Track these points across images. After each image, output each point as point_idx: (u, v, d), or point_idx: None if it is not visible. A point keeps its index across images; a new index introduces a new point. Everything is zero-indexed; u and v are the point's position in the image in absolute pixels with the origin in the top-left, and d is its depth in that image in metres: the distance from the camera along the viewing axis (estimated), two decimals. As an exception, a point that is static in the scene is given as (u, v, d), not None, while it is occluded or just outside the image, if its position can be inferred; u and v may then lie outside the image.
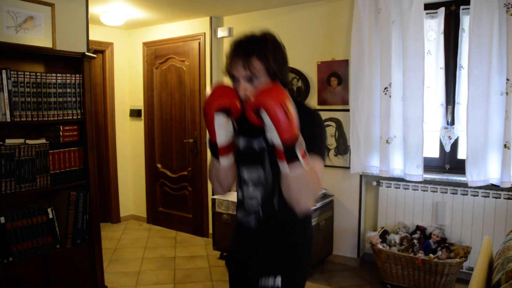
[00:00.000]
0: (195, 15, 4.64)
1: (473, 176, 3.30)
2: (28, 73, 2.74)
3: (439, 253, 3.30)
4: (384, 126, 3.65)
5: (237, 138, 1.61)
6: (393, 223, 3.79)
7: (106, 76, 5.26)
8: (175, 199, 5.22)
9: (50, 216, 2.90)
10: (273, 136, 1.33)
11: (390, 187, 3.80)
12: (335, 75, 3.96)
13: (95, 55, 3.25)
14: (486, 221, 3.41)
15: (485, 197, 3.40)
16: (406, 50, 3.47)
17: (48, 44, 3.00)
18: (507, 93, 3.16)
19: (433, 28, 3.54)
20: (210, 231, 4.68)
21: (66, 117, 2.97)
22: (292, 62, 4.18)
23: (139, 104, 5.42)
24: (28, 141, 2.78)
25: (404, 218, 3.75)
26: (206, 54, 4.70)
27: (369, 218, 4.06)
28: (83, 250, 3.10)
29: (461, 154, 3.63)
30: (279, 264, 1.64)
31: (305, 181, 1.38)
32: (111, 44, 5.25)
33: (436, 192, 3.60)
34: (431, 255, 3.25)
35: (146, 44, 5.26)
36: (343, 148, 4.00)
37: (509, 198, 3.31)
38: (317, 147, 1.49)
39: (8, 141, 2.70)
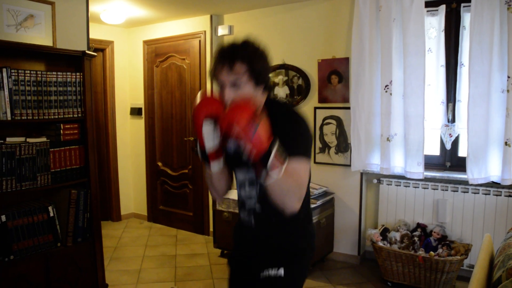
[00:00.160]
0: (196, 13, 4.63)
1: (473, 174, 3.30)
2: (28, 72, 2.74)
3: (440, 250, 3.30)
4: (385, 123, 3.65)
5: (228, 142, 1.64)
6: (393, 220, 3.79)
7: (107, 74, 5.26)
8: (175, 197, 5.22)
9: (51, 214, 2.90)
10: (244, 151, 1.40)
11: (391, 184, 3.80)
12: (336, 73, 3.96)
13: (95, 54, 3.25)
14: (487, 219, 3.41)
15: (485, 194, 3.40)
16: (406, 48, 3.46)
17: (49, 43, 3.00)
18: (508, 91, 3.15)
19: (434, 25, 3.53)
20: (211, 229, 4.69)
21: (66, 116, 2.97)
22: (293, 60, 4.21)
23: (140, 102, 5.42)
24: (29, 140, 2.79)
25: (404, 215, 3.75)
26: (206, 52, 4.70)
27: (369, 216, 4.06)
28: (84, 248, 3.11)
29: (461, 152, 3.63)
30: (280, 259, 1.66)
31: (282, 187, 1.42)
32: (111, 42, 5.25)
33: (437, 189, 3.60)
34: (431, 252, 3.25)
35: (147, 42, 5.25)
36: (343, 146, 4.00)
37: (509, 196, 3.31)
38: (301, 149, 1.51)
39: (9, 139, 2.70)
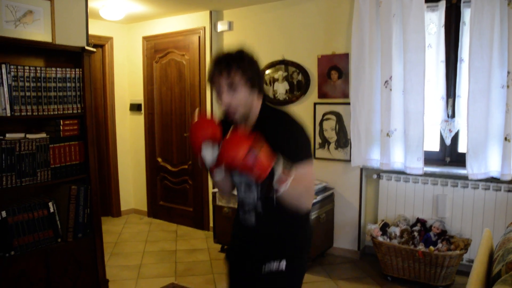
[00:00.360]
0: (195, 9, 4.62)
1: (473, 169, 3.31)
2: (28, 68, 2.74)
3: (440, 245, 3.31)
4: (385, 119, 3.65)
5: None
6: (393, 215, 3.80)
7: (106, 70, 5.25)
8: (175, 193, 5.23)
9: (51, 210, 2.91)
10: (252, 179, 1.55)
11: (391, 180, 3.81)
12: (336, 68, 3.96)
13: (94, 49, 3.24)
14: (486, 214, 3.41)
15: (485, 189, 3.41)
16: (406, 43, 3.46)
17: (48, 39, 2.99)
18: (508, 86, 3.16)
19: (434, 21, 3.52)
20: (211, 224, 4.70)
21: (66, 112, 2.97)
22: (293, 56, 4.20)
23: (139, 98, 5.42)
24: (28, 136, 2.78)
25: (404, 210, 3.76)
26: (206, 48, 4.69)
27: (369, 211, 4.07)
28: (84, 244, 3.11)
29: (461, 147, 3.63)
30: (282, 251, 1.70)
31: (292, 195, 1.52)
32: (110, 38, 5.24)
33: (437, 185, 3.60)
34: (431, 247, 3.26)
35: (146, 38, 5.24)
36: (343, 141, 4.00)
37: (509, 191, 3.32)
38: (303, 155, 1.60)
39: (8, 135, 2.70)
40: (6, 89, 2.62)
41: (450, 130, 3.55)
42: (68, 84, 2.96)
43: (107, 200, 5.41)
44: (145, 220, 5.41)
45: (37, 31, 2.92)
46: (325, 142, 4.08)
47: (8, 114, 2.65)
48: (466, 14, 3.37)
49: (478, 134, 3.28)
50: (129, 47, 5.43)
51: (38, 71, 2.79)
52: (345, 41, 3.90)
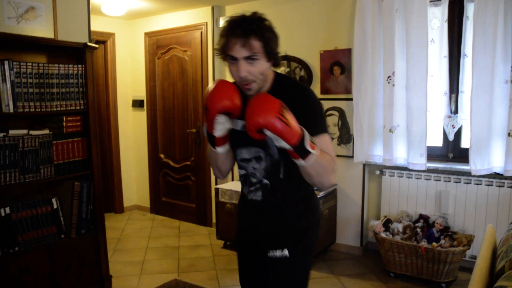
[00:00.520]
0: (197, 5, 4.61)
1: (476, 165, 3.30)
2: (30, 64, 2.74)
3: (442, 241, 3.31)
4: (388, 115, 3.64)
5: (235, 121, 1.62)
6: (396, 211, 3.80)
7: (108, 66, 5.25)
8: (178, 189, 5.23)
9: (55, 206, 2.92)
10: (281, 144, 1.39)
11: (394, 176, 3.80)
12: (338, 64, 3.94)
13: (97, 45, 3.23)
14: (489, 210, 3.41)
15: (488, 185, 3.40)
16: (409, 39, 3.44)
17: (50, 35, 2.99)
18: (511, 81, 3.14)
19: (437, 16, 3.50)
20: (214, 220, 4.70)
21: (69, 108, 2.97)
22: (295, 51, 4.19)
23: (142, 94, 5.42)
24: (31, 132, 2.79)
25: (407, 206, 3.76)
26: (208, 43, 4.68)
27: (372, 207, 4.07)
28: (88, 240, 3.12)
29: (464, 143, 3.63)
30: (286, 236, 1.66)
31: (321, 164, 1.44)
32: (112, 34, 5.23)
33: (440, 181, 3.60)
34: (434, 243, 3.25)
35: (148, 34, 5.23)
36: (346, 137, 3.99)
37: (512, 187, 3.32)
38: (320, 125, 1.54)
39: (11, 132, 2.70)
40: (9, 85, 2.62)
41: (453, 126, 3.54)
42: (71, 81, 2.97)
43: (109, 197, 5.42)
44: (147, 216, 5.42)
45: (39, 27, 2.92)
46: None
47: (11, 111, 2.65)
48: (470, 9, 3.35)
49: (481, 130, 3.27)
50: (131, 43, 5.42)
51: (41, 68, 2.79)
52: (348, 36, 3.89)
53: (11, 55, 2.72)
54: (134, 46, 5.41)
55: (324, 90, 4.05)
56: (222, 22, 4.56)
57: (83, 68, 3.03)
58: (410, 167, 3.58)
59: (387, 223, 3.63)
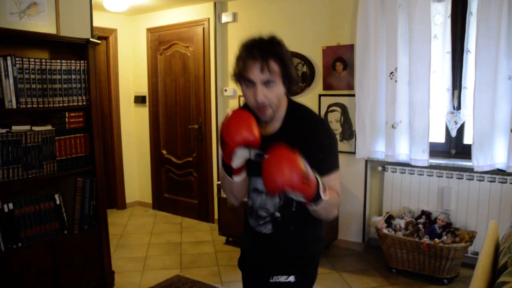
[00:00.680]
0: (199, 0, 4.60)
1: (479, 161, 3.29)
2: (33, 60, 2.74)
3: (444, 237, 3.31)
4: (390, 111, 3.64)
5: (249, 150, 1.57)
6: (398, 208, 3.79)
7: (110, 62, 5.25)
8: (180, 185, 5.24)
9: (57, 202, 2.92)
10: (299, 198, 1.35)
11: (396, 172, 3.80)
12: (341, 60, 3.94)
13: (99, 41, 3.23)
14: (492, 206, 3.40)
15: (491, 182, 3.40)
16: (412, 34, 3.43)
17: (52, 31, 2.98)
18: (514, 77, 3.13)
19: (440, 11, 3.49)
20: (216, 216, 4.70)
21: (71, 104, 2.98)
22: (297, 47, 4.18)
23: (144, 90, 5.42)
24: (34, 128, 2.79)
25: (409, 203, 3.75)
26: (210, 39, 4.67)
27: (374, 203, 4.07)
28: (90, 235, 3.13)
29: (467, 139, 3.62)
30: (293, 264, 1.64)
31: (329, 204, 1.43)
32: (114, 30, 5.23)
33: (442, 177, 3.59)
34: (436, 239, 3.25)
35: (150, 30, 5.23)
36: (348, 133, 3.99)
37: (515, 183, 3.31)
38: (332, 164, 1.51)
39: (14, 128, 2.71)
40: (11, 81, 2.62)
41: (455, 122, 3.53)
42: (73, 76, 2.97)
43: (112, 193, 5.43)
44: (150, 213, 5.43)
45: (42, 23, 2.92)
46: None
47: (14, 107, 2.65)
48: (473, 5, 3.33)
49: (484, 126, 3.26)
50: (133, 39, 5.42)
51: (43, 63, 2.79)
52: (350, 32, 3.88)
53: (13, 51, 2.73)
54: (136, 42, 5.40)
55: (326, 86, 4.04)
56: (224, 18, 4.56)
57: (86, 64, 3.03)
58: (413, 163, 3.58)
59: (389, 219, 3.63)
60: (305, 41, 4.12)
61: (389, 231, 3.52)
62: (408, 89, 3.54)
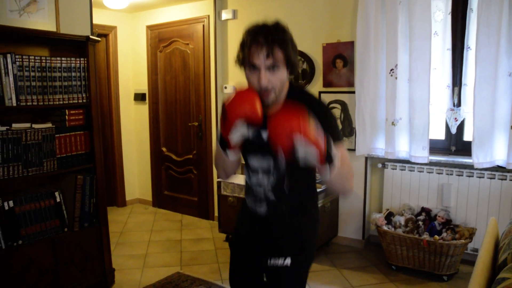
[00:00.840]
0: (199, -3, 4.59)
1: (479, 158, 3.29)
2: (33, 57, 2.73)
3: (444, 234, 3.32)
4: (390, 108, 3.64)
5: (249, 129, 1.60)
6: (398, 205, 3.80)
7: (110, 60, 5.25)
8: (180, 182, 5.24)
9: (58, 199, 2.93)
10: (309, 154, 1.34)
11: (396, 169, 3.80)
12: (341, 56, 3.93)
13: (99, 39, 3.23)
14: (492, 203, 3.41)
15: (491, 179, 3.40)
16: (412, 31, 3.43)
17: (52, 28, 2.98)
18: (514, 74, 3.13)
19: (441, 8, 3.49)
20: (216, 214, 4.71)
21: (71, 101, 2.97)
22: (298, 44, 4.09)
23: (144, 88, 5.41)
24: (34, 125, 2.79)
25: (409, 200, 3.76)
26: (210, 36, 4.67)
27: (374, 200, 4.07)
28: (91, 233, 3.14)
29: (467, 136, 3.62)
30: (289, 246, 1.67)
31: (343, 172, 1.45)
32: (114, 27, 5.22)
33: (442, 174, 3.59)
34: (436, 236, 3.26)
35: (150, 28, 5.22)
36: (348, 130, 3.99)
37: (515, 180, 3.31)
38: (336, 136, 1.51)
39: (14, 125, 2.71)
40: (11, 79, 2.62)
41: (455, 119, 3.53)
42: (73, 74, 2.96)
43: (112, 190, 5.44)
44: (150, 210, 5.44)
45: (42, 20, 2.92)
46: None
47: (14, 104, 2.65)
48: (474, 1, 3.32)
49: (484, 123, 3.26)
50: (133, 36, 5.41)
51: (43, 61, 2.79)
52: (350, 29, 3.87)
53: (13, 49, 2.72)
54: (136, 39, 5.40)
55: (326, 83, 4.04)
56: (224, 15, 4.55)
57: (86, 62, 3.02)
58: (413, 160, 3.58)
59: (389, 216, 3.64)
60: (305, 38, 4.11)
61: (389, 228, 3.53)
62: (408, 86, 3.53)
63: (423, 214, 3.57)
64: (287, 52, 1.47)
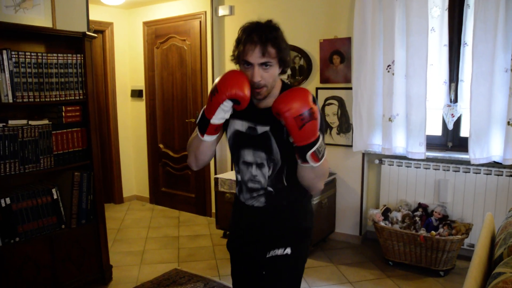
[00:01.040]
0: (195, -7, 4.58)
1: (475, 154, 3.30)
2: (29, 54, 2.72)
3: (441, 230, 3.33)
4: (387, 104, 3.64)
5: (240, 121, 1.67)
6: (395, 200, 3.81)
7: (107, 56, 5.23)
8: (177, 179, 5.24)
9: (55, 196, 2.92)
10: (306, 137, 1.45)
11: (393, 165, 3.81)
12: (338, 53, 3.93)
13: (96, 35, 3.21)
14: (488, 199, 3.42)
15: (487, 174, 3.41)
16: (409, 27, 3.43)
17: (48, 24, 2.96)
18: (511, 70, 3.13)
19: (437, 4, 3.49)
20: (213, 210, 4.71)
21: (68, 98, 2.96)
22: (294, 40, 4.17)
23: (140, 84, 5.40)
24: (31, 122, 2.78)
25: (406, 195, 3.77)
26: (207, 33, 4.66)
27: (371, 196, 4.08)
28: (88, 230, 3.13)
29: (464, 132, 3.63)
30: (288, 237, 1.71)
31: (321, 170, 1.54)
32: (111, 24, 5.20)
33: (439, 169, 3.61)
34: (433, 232, 3.27)
35: (147, 24, 5.20)
36: (345, 126, 3.99)
37: (511, 176, 3.32)
38: (322, 129, 1.56)
39: (11, 122, 2.70)
40: (7, 75, 2.61)
41: (452, 115, 3.53)
42: (70, 70, 2.95)
43: (109, 187, 5.43)
44: (147, 207, 5.44)
45: (37, 16, 2.90)
46: (327, 127, 4.07)
47: (10, 101, 2.64)
48: (471, -3, 3.34)
49: (480, 119, 3.27)
50: (130, 33, 5.39)
51: (39, 57, 2.78)
52: (347, 25, 3.87)
53: (9, 45, 2.71)
54: (132, 35, 5.38)
55: (323, 79, 4.04)
56: (221, 11, 4.54)
57: (82, 58, 3.01)
58: (409, 156, 3.59)
59: (386, 212, 3.65)
60: (302, 34, 4.11)
61: (386, 224, 3.54)
62: (405, 82, 3.54)
63: (420, 210, 3.58)
64: (279, 50, 1.52)
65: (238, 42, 1.56)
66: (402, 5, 3.49)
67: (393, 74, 3.58)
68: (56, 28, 2.99)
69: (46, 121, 2.87)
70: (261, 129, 1.63)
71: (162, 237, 4.33)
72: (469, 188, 3.49)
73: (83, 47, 3.01)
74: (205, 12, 4.63)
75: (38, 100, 2.79)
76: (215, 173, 4.58)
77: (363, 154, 3.97)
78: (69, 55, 2.94)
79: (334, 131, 4.04)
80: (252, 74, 1.52)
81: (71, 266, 3.02)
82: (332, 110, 4.03)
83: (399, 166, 3.78)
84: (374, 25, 3.63)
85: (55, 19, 3.00)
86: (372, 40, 3.65)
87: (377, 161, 3.92)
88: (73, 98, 2.99)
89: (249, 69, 1.53)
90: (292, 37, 4.14)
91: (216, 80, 1.51)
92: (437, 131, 3.75)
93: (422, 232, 3.34)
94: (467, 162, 3.43)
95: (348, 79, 3.90)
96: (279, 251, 1.67)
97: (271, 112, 1.47)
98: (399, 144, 3.69)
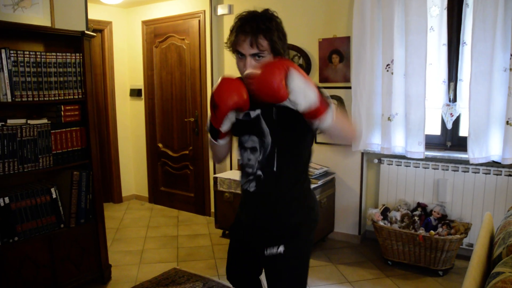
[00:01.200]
0: (195, -7, 4.57)
1: (474, 153, 3.31)
2: (27, 53, 2.71)
3: (440, 229, 3.33)
4: (386, 103, 3.64)
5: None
6: (394, 200, 3.81)
7: (105, 55, 5.22)
8: (176, 178, 5.24)
9: (54, 196, 2.92)
10: (307, 97, 1.36)
11: (392, 164, 3.81)
12: (337, 52, 3.93)
13: (94, 34, 3.21)
14: (487, 198, 3.43)
15: (486, 174, 3.41)
16: (408, 26, 3.43)
17: (47, 23, 2.96)
18: (510, 69, 3.13)
19: (437, 3, 3.49)
20: (212, 209, 4.72)
21: (67, 97, 2.96)
22: (293, 39, 4.16)
23: (139, 83, 5.39)
24: (30, 121, 2.77)
25: (405, 195, 3.77)
26: (206, 32, 4.65)
27: (370, 196, 4.09)
28: (87, 229, 3.13)
29: (462, 131, 3.63)
30: (280, 234, 1.70)
31: (340, 121, 1.50)
32: (109, 23, 5.19)
33: (437, 169, 3.61)
34: (431, 231, 3.28)
35: (146, 23, 5.20)
36: (344, 126, 3.98)
37: (510, 175, 3.33)
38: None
39: (9, 121, 2.69)
40: (6, 74, 2.60)
41: (451, 114, 3.54)
42: (69, 69, 2.95)
43: (108, 186, 5.42)
44: (146, 206, 5.43)
45: (36, 15, 2.90)
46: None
47: (9, 100, 2.63)
48: (470, -4, 3.34)
49: (479, 118, 3.27)
50: (129, 32, 5.39)
51: (38, 56, 2.77)
52: (347, 24, 3.87)
53: (8, 44, 2.70)
54: (131, 34, 5.37)
55: (322, 79, 4.04)
56: (220, 10, 4.53)
57: (81, 57, 3.01)
58: (408, 156, 3.59)
59: (385, 212, 3.65)
60: (301, 33, 4.10)
61: (385, 224, 3.54)
62: (404, 81, 3.54)
63: (419, 209, 3.58)
64: (272, 41, 1.51)
65: (232, 31, 1.59)
66: (401, 4, 3.49)
67: (392, 73, 3.58)
68: (54, 27, 2.98)
69: (45, 120, 2.86)
70: (253, 113, 1.66)
71: (161, 237, 4.33)
72: (468, 187, 3.50)
73: (82, 46, 3.00)
74: (204, 11, 4.63)
75: (37, 99, 2.78)
76: (214, 173, 4.57)
77: (362, 154, 3.97)
78: (68, 54, 2.93)
79: (333, 130, 4.03)
80: (244, 65, 1.53)
81: (70, 266, 3.02)
82: (331, 110, 4.02)
83: (398, 165, 3.79)
84: (373, 24, 3.63)
85: (54, 18, 2.99)
86: (371, 39, 3.65)
87: (376, 161, 3.92)
88: (72, 97, 2.99)
89: (242, 60, 1.54)
90: (291, 36, 4.09)
91: (213, 90, 1.50)
92: (436, 130, 3.75)
93: (421, 231, 3.35)
94: (466, 162, 3.43)
95: (347, 79, 3.90)
96: (274, 250, 1.67)
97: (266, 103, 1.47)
98: (398, 143, 3.69)
